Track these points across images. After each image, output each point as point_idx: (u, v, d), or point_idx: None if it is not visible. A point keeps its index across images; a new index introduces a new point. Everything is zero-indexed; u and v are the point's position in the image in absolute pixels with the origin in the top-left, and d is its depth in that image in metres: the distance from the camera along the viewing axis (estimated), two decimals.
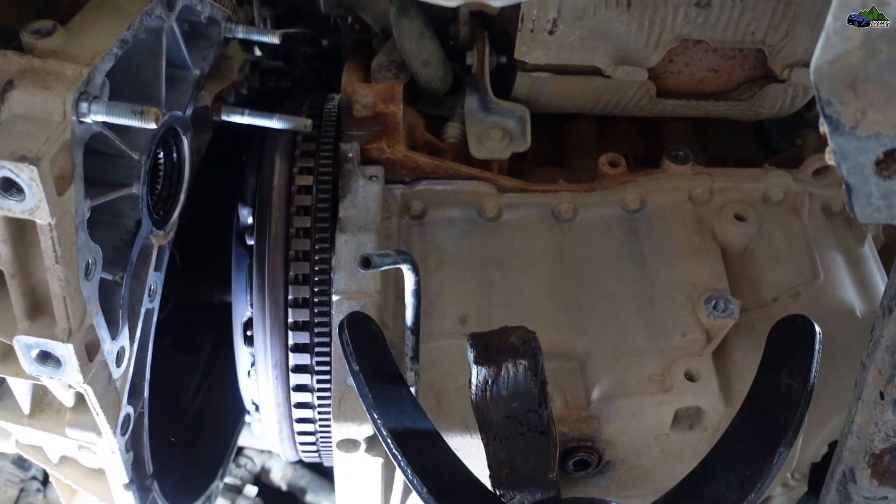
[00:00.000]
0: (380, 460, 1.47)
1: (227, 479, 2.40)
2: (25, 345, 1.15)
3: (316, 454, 1.75)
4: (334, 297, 1.42)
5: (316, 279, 1.52)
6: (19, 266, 1.12)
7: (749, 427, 1.30)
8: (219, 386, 2.27)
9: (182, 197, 1.47)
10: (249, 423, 2.28)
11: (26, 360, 1.17)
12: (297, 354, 1.53)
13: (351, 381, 1.40)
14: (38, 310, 1.16)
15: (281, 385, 1.56)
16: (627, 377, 1.49)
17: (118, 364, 1.31)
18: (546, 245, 1.66)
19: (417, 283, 1.25)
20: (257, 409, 1.69)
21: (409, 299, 1.26)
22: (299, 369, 1.54)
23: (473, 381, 1.18)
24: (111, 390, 1.31)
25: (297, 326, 1.52)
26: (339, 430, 1.41)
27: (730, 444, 1.31)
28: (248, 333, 1.61)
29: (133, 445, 1.46)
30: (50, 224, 1.03)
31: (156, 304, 1.44)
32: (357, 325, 1.37)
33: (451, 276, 1.60)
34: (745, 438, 1.30)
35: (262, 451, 2.48)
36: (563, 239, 1.67)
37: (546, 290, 1.60)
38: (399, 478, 1.52)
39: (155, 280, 1.42)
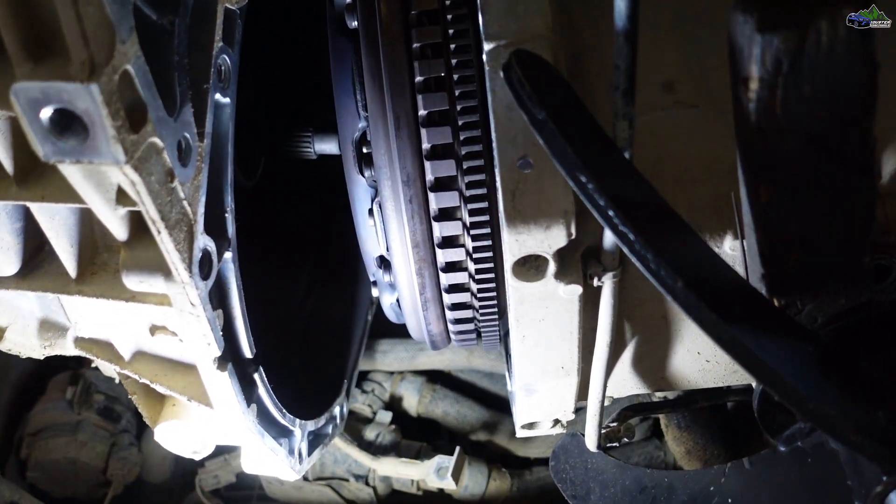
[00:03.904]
0: (577, 290, 0.99)
1: (353, 407, 1.96)
2: (30, 99, 0.72)
3: (472, 330, 1.26)
4: (487, 47, 0.94)
5: (453, 47, 1.06)
6: None
7: None
8: (329, 292, 1.85)
9: None
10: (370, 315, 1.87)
11: (37, 135, 0.74)
12: (435, 162, 1.06)
13: (525, 163, 0.93)
14: (42, 43, 0.73)
15: (418, 213, 1.09)
16: None
17: (182, 160, 0.88)
18: None
19: None
20: (385, 265, 1.23)
21: None
22: (440, 185, 1.08)
23: (755, 71, 0.69)
24: (175, 200, 0.87)
25: (433, 121, 1.06)
26: (516, 241, 0.94)
27: None
28: (365, 151, 1.16)
29: (220, 303, 1.03)
30: None
31: (230, 100, 1.01)
32: (530, 64, 0.89)
33: (640, 41, 1.11)
34: None
35: (391, 374, 2.03)
36: None
37: None
38: (605, 321, 1.03)
39: (224, 58, 0.99)
